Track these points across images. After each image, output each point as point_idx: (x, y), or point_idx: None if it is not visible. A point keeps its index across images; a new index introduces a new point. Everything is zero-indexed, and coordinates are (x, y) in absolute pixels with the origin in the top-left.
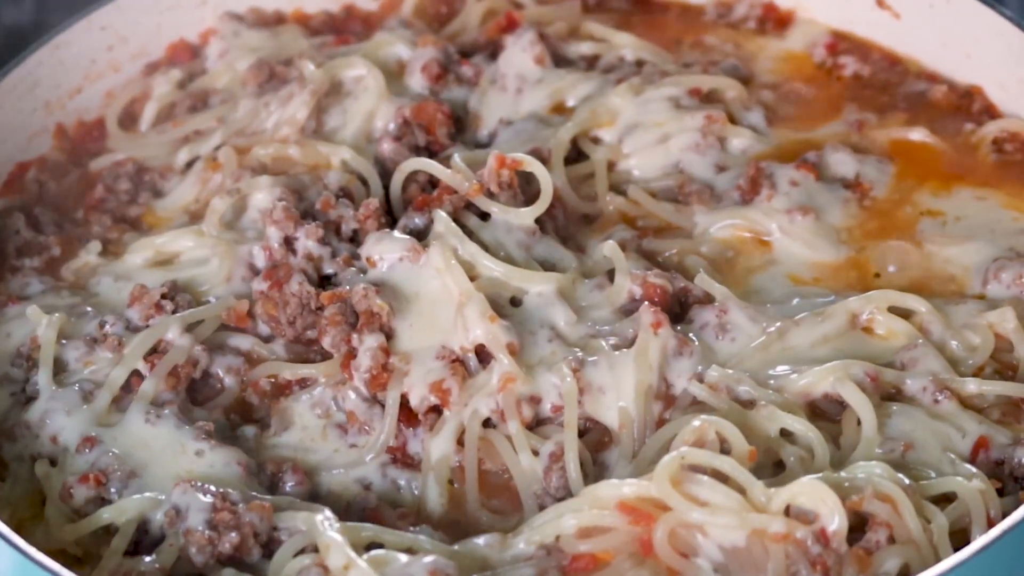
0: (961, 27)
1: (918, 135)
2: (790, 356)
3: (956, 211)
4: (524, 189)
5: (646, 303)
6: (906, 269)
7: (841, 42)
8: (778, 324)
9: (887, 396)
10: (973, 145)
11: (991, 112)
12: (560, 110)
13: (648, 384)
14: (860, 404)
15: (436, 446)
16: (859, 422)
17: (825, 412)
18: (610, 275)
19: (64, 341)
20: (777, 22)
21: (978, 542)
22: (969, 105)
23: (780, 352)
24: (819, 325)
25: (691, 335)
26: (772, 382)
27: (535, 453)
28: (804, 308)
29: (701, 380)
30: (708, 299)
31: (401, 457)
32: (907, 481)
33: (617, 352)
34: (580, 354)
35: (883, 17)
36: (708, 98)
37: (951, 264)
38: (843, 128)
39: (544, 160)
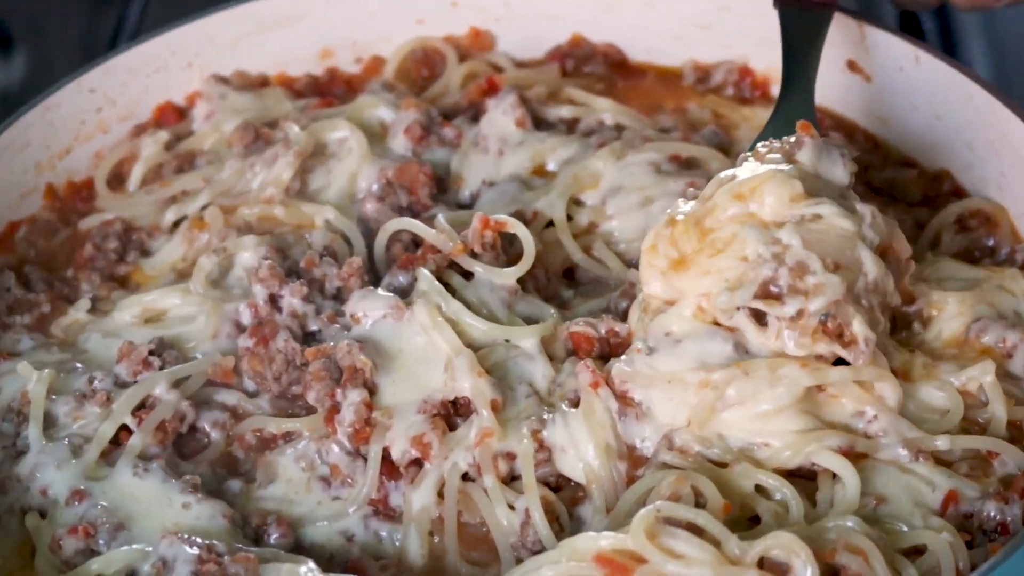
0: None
1: None
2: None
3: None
4: (506, 249)
5: (581, 362)
6: None
7: (825, 118)
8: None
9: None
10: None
11: (958, 193)
12: (541, 172)
13: (605, 442)
14: (843, 469)
15: (417, 498)
16: (835, 476)
17: (798, 470)
18: None
19: (54, 396)
20: (755, 86)
21: None
22: (939, 187)
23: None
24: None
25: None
26: (739, 449)
27: (511, 507)
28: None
29: (671, 446)
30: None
31: (383, 509)
32: (878, 534)
33: (571, 410)
34: (546, 415)
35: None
36: (688, 163)
37: None
38: None
39: (527, 222)
